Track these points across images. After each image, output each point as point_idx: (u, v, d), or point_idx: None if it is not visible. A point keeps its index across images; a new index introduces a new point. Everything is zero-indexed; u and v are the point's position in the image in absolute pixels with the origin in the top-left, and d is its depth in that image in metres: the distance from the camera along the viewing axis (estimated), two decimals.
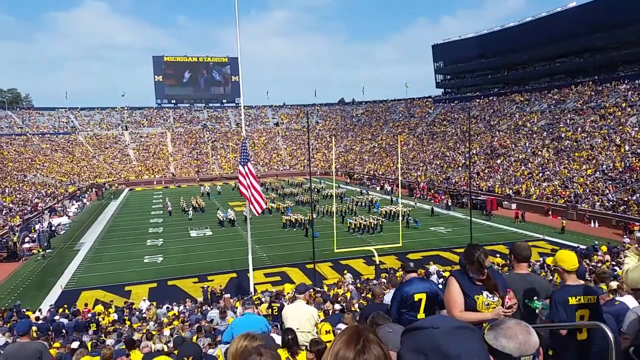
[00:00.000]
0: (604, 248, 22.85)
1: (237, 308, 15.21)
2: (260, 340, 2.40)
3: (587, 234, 33.84)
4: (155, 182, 76.20)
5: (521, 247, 4.45)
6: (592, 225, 36.57)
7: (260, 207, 19.07)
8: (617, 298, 5.88)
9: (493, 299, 3.71)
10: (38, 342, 5.22)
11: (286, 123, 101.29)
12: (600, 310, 4.04)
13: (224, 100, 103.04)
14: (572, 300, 3.83)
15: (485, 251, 3.74)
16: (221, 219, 41.27)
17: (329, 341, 5.35)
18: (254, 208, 18.87)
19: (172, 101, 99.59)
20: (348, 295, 17.02)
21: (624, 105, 50.63)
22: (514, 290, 3.91)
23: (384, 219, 39.37)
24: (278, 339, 5.70)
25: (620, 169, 41.00)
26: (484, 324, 3.23)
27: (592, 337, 3.73)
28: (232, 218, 40.81)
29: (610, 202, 37.49)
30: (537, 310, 3.90)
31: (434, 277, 19.37)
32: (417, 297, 4.83)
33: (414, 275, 5.33)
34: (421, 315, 4.84)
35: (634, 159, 41.23)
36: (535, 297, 3.96)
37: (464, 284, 3.73)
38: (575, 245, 28.62)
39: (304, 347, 5.51)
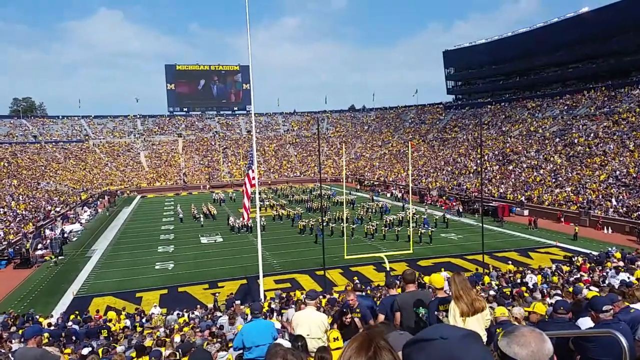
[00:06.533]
0: (618, 255, 22.50)
1: (247, 315, 15.19)
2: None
3: (600, 240, 33.43)
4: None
5: (408, 273, 6.06)
6: (606, 231, 36.12)
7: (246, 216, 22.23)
8: (632, 305, 5.79)
9: None
10: (37, 349, 5.19)
11: (297, 130, 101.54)
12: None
13: (235, 108, 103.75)
14: (442, 307, 4.88)
15: None
16: (233, 226, 41.25)
17: (337, 348, 5.34)
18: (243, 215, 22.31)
19: (184, 109, 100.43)
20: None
21: (637, 110, 50.11)
22: (407, 304, 5.50)
23: (392, 228, 39.10)
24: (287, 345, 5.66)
25: (634, 175, 40.50)
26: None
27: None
28: (248, 224, 40.32)
29: (624, 208, 37.03)
30: (421, 315, 5.29)
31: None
32: None
33: (358, 293, 7.26)
34: None
35: None
36: (420, 306, 5.35)
37: None
38: (588, 251, 28.26)
39: (313, 354, 5.46)
